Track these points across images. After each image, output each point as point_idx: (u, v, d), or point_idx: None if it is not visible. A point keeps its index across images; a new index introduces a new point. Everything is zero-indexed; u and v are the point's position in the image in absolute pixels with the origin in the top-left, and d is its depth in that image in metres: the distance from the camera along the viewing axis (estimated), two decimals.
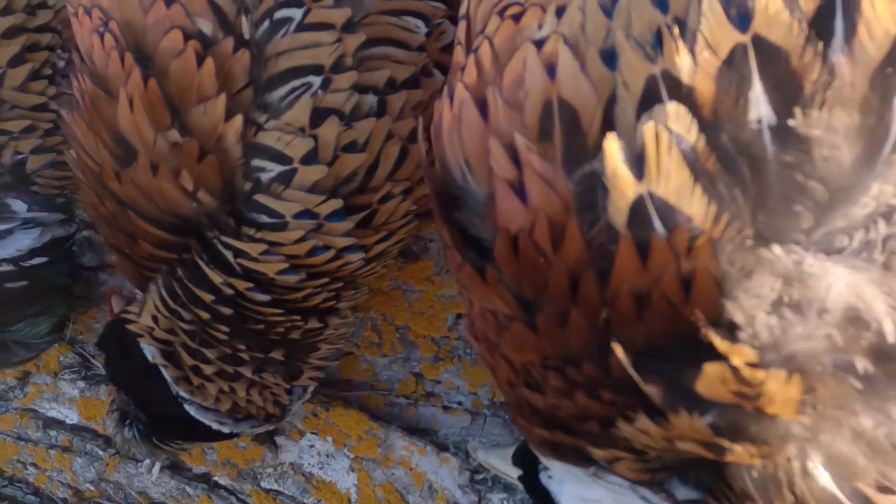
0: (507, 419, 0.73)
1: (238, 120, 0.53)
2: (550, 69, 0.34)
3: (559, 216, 0.32)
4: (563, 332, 0.32)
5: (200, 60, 0.52)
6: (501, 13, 0.42)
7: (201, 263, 0.56)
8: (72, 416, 0.93)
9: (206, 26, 0.53)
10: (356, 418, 0.74)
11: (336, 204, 0.54)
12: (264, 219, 0.55)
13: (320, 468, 0.79)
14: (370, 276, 0.64)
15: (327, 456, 0.78)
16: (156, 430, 0.71)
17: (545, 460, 0.45)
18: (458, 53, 0.47)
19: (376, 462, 0.75)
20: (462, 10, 0.48)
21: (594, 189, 0.33)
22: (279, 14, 0.53)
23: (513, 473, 0.62)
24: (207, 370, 0.60)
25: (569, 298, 0.32)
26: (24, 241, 0.75)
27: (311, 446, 0.79)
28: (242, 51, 0.52)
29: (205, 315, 0.57)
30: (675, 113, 0.29)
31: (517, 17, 0.40)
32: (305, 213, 0.54)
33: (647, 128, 0.29)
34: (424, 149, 0.46)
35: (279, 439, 0.80)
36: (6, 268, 0.74)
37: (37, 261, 0.76)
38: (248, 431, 0.65)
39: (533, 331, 0.34)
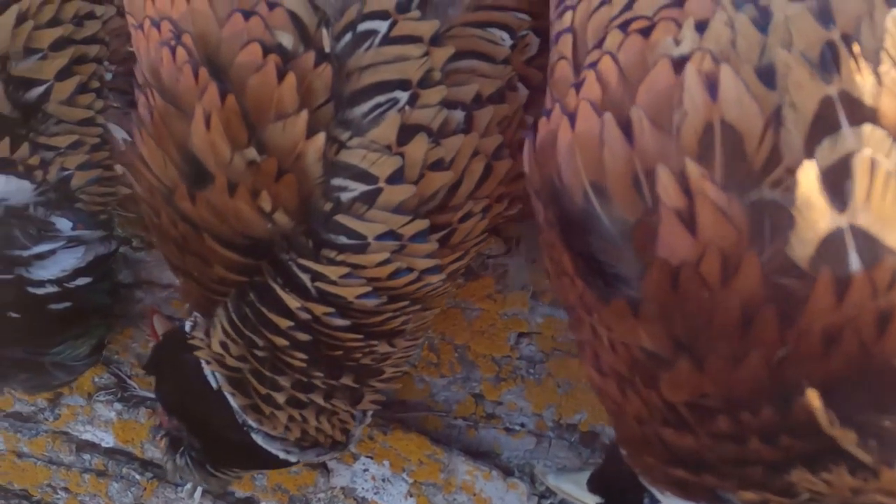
0: (574, 442, 0.71)
1: (321, 138, 0.50)
2: (711, 88, 0.32)
3: (732, 248, 0.29)
4: (732, 372, 0.30)
5: (281, 75, 0.50)
6: (624, 27, 0.40)
7: (276, 287, 0.54)
8: (107, 440, 0.90)
9: (287, 39, 0.50)
10: (417, 442, 0.72)
11: (422, 225, 0.52)
12: (343, 240, 0.53)
13: (375, 493, 0.76)
14: (441, 297, 0.62)
15: (383, 480, 0.75)
16: (210, 458, 0.68)
17: (663, 497, 0.42)
18: (563, 68, 0.45)
19: (437, 487, 0.72)
20: (564, 23, 0.46)
21: (762, 218, 0.31)
22: (363, 26, 0.50)
23: (590, 501, 0.60)
24: (279, 398, 0.57)
25: (740, 336, 0.30)
26: (69, 260, 0.72)
27: (366, 470, 0.76)
28: (324, 65, 0.50)
29: (281, 341, 0.54)
30: (872, 136, 0.27)
31: (645, 32, 0.38)
32: (389, 235, 0.52)
33: (862, 155, 0.27)
34: (527, 167, 0.44)
35: (331, 463, 0.78)
36: (50, 289, 0.71)
37: (80, 281, 0.73)
38: (314, 460, 0.62)
39: (694, 370, 0.31)
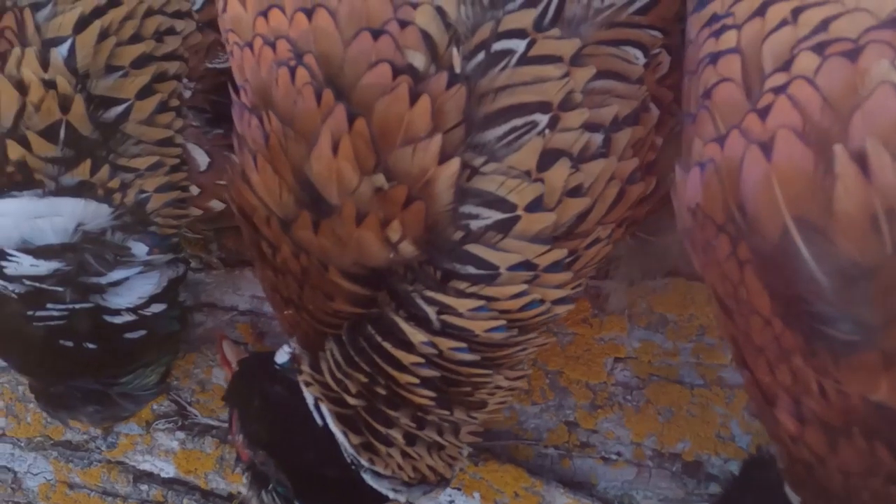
0: (677, 472, 0.68)
1: (455, 164, 0.47)
2: None
3: None
4: None
5: (414, 98, 0.47)
6: (819, 50, 0.37)
7: (398, 320, 0.51)
8: (167, 470, 0.86)
9: (419, 60, 0.47)
10: (513, 473, 0.69)
11: (559, 254, 0.49)
12: (471, 270, 0.50)
13: None
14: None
15: None
16: (301, 495, 0.65)
17: None
18: (729, 91, 0.42)
19: None
20: (725, 43, 0.43)
21: None
22: (498, 46, 0.48)
23: None
24: (396, 435, 0.54)
25: None
26: (145, 287, 0.69)
27: (451, 502, 0.73)
28: (458, 87, 0.47)
29: (405, 378, 0.51)
30: None
31: (851, 55, 0.36)
32: (523, 265, 0.49)
33: None
34: (703, 197, 0.41)
35: None
36: (128, 318, 0.67)
37: (156, 308, 0.70)
38: (420, 498, 0.59)
39: None
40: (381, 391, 0.52)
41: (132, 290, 0.68)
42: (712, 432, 0.67)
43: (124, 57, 0.63)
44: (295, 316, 0.54)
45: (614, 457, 0.70)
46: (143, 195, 0.67)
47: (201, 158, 0.70)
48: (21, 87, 0.58)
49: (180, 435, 0.85)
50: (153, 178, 0.67)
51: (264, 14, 0.51)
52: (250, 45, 0.52)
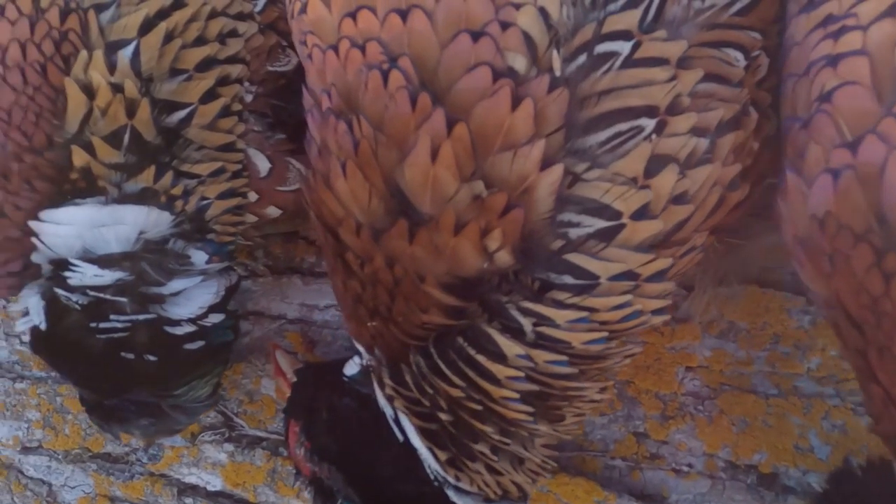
0: (752, 484, 0.66)
1: (558, 170, 0.45)
2: None
3: None
4: None
5: (515, 102, 0.45)
6: None
7: (492, 332, 0.49)
8: (214, 483, 0.84)
9: (520, 62, 0.46)
10: (584, 487, 0.67)
11: (663, 263, 0.47)
12: (569, 280, 0.48)
13: None
14: None
15: None
16: None
17: None
18: (855, 95, 0.41)
19: None
20: (849, 45, 0.42)
21: None
22: (602, 48, 0.46)
23: None
24: (483, 450, 0.52)
25: None
26: (205, 296, 0.67)
27: None
28: (560, 90, 0.46)
29: (501, 392, 0.49)
30: None
31: None
32: (625, 275, 0.47)
33: None
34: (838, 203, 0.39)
35: None
36: (188, 328, 0.65)
37: (214, 318, 0.68)
38: None
39: None
40: (474, 405, 0.50)
41: (192, 300, 0.65)
42: (790, 443, 0.65)
43: (188, 60, 0.61)
44: (380, 328, 0.52)
45: (686, 468, 0.68)
46: (205, 202, 0.65)
47: (262, 164, 0.68)
48: (89, 91, 0.56)
49: (229, 447, 0.83)
50: (215, 185, 0.65)
51: (352, 16, 0.49)
52: (335, 48, 0.51)
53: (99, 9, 0.59)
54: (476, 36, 0.46)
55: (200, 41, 0.62)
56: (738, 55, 0.50)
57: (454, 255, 0.48)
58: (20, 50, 0.57)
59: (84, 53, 0.57)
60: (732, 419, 0.67)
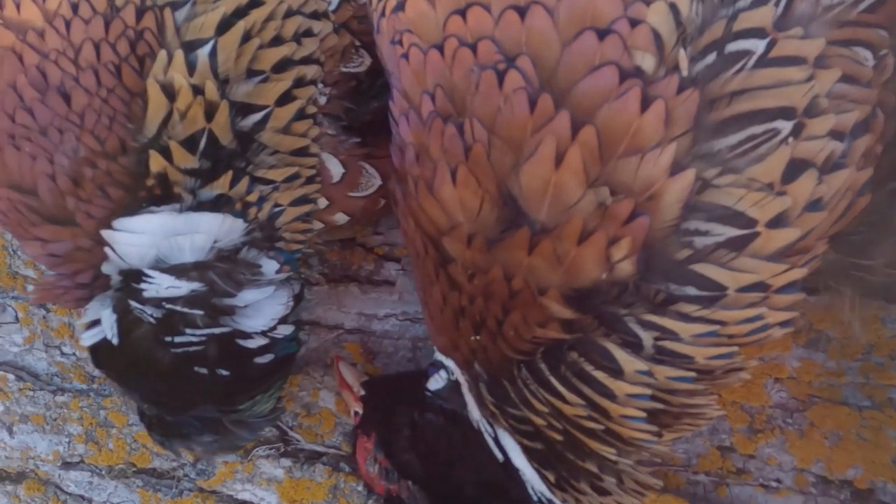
0: (846, 500, 0.64)
1: (689, 176, 0.43)
2: None
3: None
4: None
5: (645, 104, 0.43)
6: None
7: (610, 346, 0.46)
8: (269, 500, 0.81)
9: (648, 62, 0.43)
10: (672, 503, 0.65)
11: (797, 274, 0.45)
12: (693, 291, 0.46)
13: None
14: None
15: None
16: None
17: None
18: None
19: None
20: None
21: None
22: (733, 46, 0.44)
23: None
24: (591, 468, 0.50)
25: None
26: (276, 308, 0.64)
27: None
28: (690, 91, 0.43)
29: (620, 410, 0.47)
30: None
31: None
32: (756, 286, 0.45)
33: None
34: None
35: None
36: (260, 341, 0.62)
37: (284, 330, 0.65)
38: None
39: None
40: (589, 424, 0.47)
41: (264, 311, 0.62)
42: (887, 457, 0.63)
43: (266, 60, 0.58)
44: (485, 343, 0.49)
45: (774, 484, 0.66)
46: (278, 209, 0.62)
47: (335, 169, 0.65)
48: (169, 93, 0.54)
49: (286, 462, 0.80)
50: (289, 191, 0.62)
51: (461, 13, 0.47)
52: (439, 47, 0.48)
53: (174, 6, 0.57)
54: (602, 34, 0.43)
55: (277, 41, 0.59)
56: (868, 54, 0.47)
57: (575, 266, 0.45)
58: (94, 50, 0.54)
59: (163, 53, 0.54)
60: (824, 432, 0.65)
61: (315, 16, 0.62)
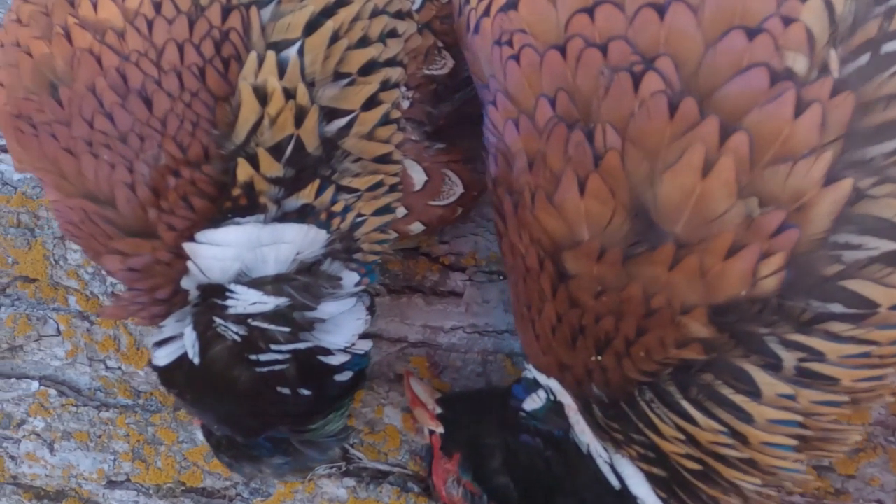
0: None
1: (845, 186, 0.40)
2: None
3: None
4: None
5: (800, 108, 0.40)
6: None
7: (749, 367, 0.43)
8: None
9: (800, 64, 0.40)
10: None
11: None
12: (840, 309, 0.43)
13: None
14: None
15: None
16: None
17: None
18: None
19: None
20: None
21: None
22: (889, 47, 0.41)
23: None
24: (717, 496, 0.47)
25: None
26: (355, 322, 0.60)
27: None
28: (845, 95, 0.40)
29: (761, 436, 0.43)
30: None
31: None
32: None
33: None
34: None
35: None
36: (342, 358, 0.59)
37: (363, 346, 0.62)
38: None
39: None
40: (726, 451, 0.44)
41: (345, 326, 0.59)
42: None
43: (353, 62, 0.55)
44: (609, 363, 0.46)
45: None
46: (360, 219, 0.59)
47: (418, 176, 0.62)
48: (262, 97, 0.51)
49: (349, 482, 0.76)
50: (373, 200, 0.59)
51: (588, 12, 0.44)
52: (560, 48, 0.45)
53: (259, 5, 0.53)
54: (752, 33, 0.40)
55: (364, 42, 0.56)
56: None
57: (718, 283, 0.42)
58: (177, 52, 0.51)
59: (254, 55, 0.51)
60: None
61: (399, 15, 0.59)
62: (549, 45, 0.45)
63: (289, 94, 0.51)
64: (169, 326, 0.56)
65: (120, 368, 0.87)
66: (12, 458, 0.89)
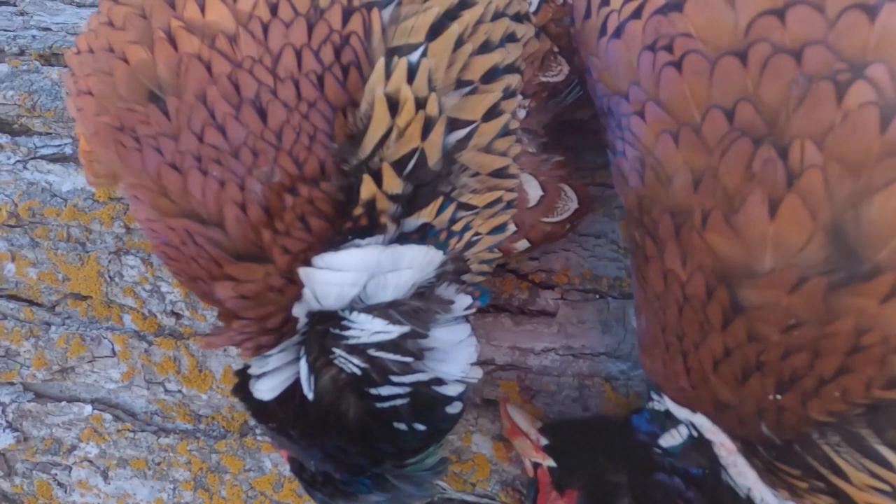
0: None
1: None
2: None
3: None
4: None
5: None
6: None
7: None
8: None
9: None
10: None
11: None
12: None
13: None
14: None
15: None
16: None
17: None
18: None
19: None
20: None
21: None
22: None
23: None
24: None
25: None
26: (468, 350, 0.55)
27: None
28: None
29: None
30: None
31: None
32: None
33: None
34: None
35: None
36: (458, 389, 0.54)
37: (474, 374, 0.57)
38: None
39: None
40: None
41: (459, 354, 0.54)
42: None
43: (476, 69, 0.50)
44: (791, 403, 0.42)
45: None
46: (476, 238, 0.55)
47: (533, 192, 0.58)
48: (393, 107, 0.46)
49: None
50: (490, 219, 0.54)
51: (778, 14, 0.40)
52: (739, 54, 0.41)
53: (379, 5, 0.49)
54: None
55: (487, 47, 0.51)
56: None
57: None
58: (295, 58, 0.46)
59: (382, 61, 0.46)
60: None
61: (518, 18, 0.55)
62: (724, 51, 0.41)
63: (419, 104, 0.46)
64: (275, 357, 0.51)
65: (180, 391, 0.82)
66: (61, 485, 0.84)
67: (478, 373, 0.57)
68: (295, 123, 0.47)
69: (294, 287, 0.48)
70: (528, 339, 0.73)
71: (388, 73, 0.46)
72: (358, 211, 0.47)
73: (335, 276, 0.47)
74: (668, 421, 0.53)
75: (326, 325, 0.49)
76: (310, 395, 0.49)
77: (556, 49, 0.58)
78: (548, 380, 0.73)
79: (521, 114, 0.56)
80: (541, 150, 0.57)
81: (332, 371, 0.50)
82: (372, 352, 0.49)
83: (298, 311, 0.50)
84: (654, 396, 0.55)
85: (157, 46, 0.47)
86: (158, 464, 0.82)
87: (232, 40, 0.46)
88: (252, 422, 0.82)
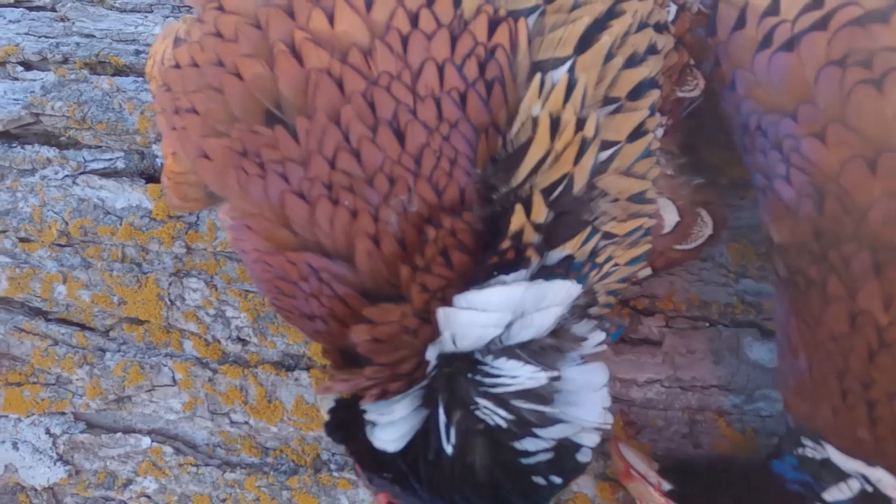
0: None
1: None
2: None
3: None
4: None
5: None
6: None
7: None
8: None
9: None
10: None
11: None
12: None
13: None
14: None
15: None
16: None
17: None
18: None
19: None
20: None
21: None
22: None
23: None
24: None
25: None
26: (602, 392, 0.50)
27: None
28: None
29: None
30: None
31: None
32: None
33: None
34: None
35: None
36: (594, 438, 0.49)
37: (608, 419, 0.51)
38: None
39: None
40: None
41: (592, 397, 0.50)
42: None
43: (623, 85, 0.46)
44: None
45: None
46: (613, 269, 0.50)
47: (669, 217, 0.52)
48: (554, 129, 0.41)
49: None
50: (630, 248, 0.50)
51: None
52: (836, 68, 0.36)
53: (525, 14, 0.44)
54: None
55: (633, 60, 0.47)
56: None
57: None
58: (437, 73, 0.42)
59: (538, 78, 0.41)
60: None
61: (658, 28, 0.50)
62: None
63: (580, 126, 0.42)
64: (401, 404, 0.46)
65: (247, 423, 0.77)
66: None
67: (610, 418, 0.53)
68: (435, 147, 0.42)
69: (428, 328, 0.43)
70: (629, 370, 0.69)
71: (542, 91, 0.41)
72: (506, 244, 0.42)
73: (479, 317, 0.42)
74: (827, 471, 0.48)
75: (459, 370, 0.44)
76: (448, 449, 0.44)
77: (691, 62, 0.53)
78: (654, 413, 0.68)
79: (659, 132, 0.51)
80: (678, 172, 0.53)
81: (472, 422, 0.45)
82: (514, 401, 0.44)
83: (430, 354, 0.45)
84: (808, 443, 0.50)
85: (279, 61, 0.42)
86: (224, 500, 0.76)
87: (367, 54, 0.41)
88: (325, 456, 0.77)
